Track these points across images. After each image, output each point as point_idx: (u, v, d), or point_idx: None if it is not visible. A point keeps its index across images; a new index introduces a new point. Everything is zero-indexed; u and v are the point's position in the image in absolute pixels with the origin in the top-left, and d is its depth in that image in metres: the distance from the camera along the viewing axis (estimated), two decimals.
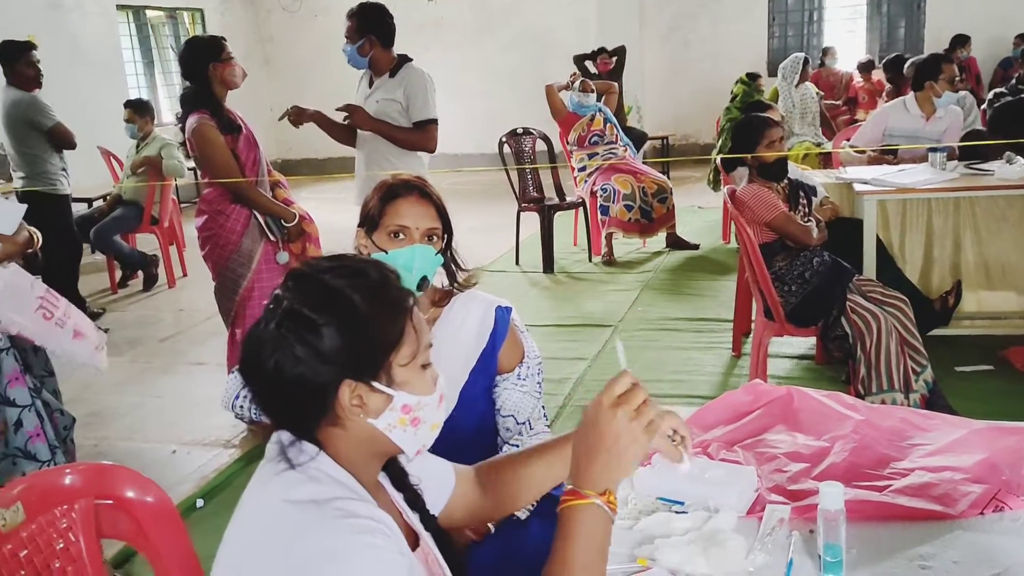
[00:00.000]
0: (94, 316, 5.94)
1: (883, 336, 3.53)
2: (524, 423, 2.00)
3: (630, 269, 6.51)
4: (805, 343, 4.51)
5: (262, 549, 1.11)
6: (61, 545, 1.41)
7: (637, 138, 8.46)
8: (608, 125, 6.96)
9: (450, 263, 1.99)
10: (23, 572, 1.34)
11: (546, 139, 6.77)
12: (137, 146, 6.71)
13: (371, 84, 4.14)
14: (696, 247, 6.92)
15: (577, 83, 6.94)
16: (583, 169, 6.89)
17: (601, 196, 6.61)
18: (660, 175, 6.99)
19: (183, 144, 3.95)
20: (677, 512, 1.55)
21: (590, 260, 6.75)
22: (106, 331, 5.62)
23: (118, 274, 6.76)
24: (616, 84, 7.56)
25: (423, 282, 1.90)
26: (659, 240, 6.99)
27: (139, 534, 1.53)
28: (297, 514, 1.11)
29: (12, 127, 5.48)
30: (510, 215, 6.85)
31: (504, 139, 6.73)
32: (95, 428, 4.16)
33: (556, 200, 6.83)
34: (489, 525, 1.88)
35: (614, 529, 1.52)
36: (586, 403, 3.21)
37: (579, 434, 1.21)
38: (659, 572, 1.39)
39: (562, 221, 6.88)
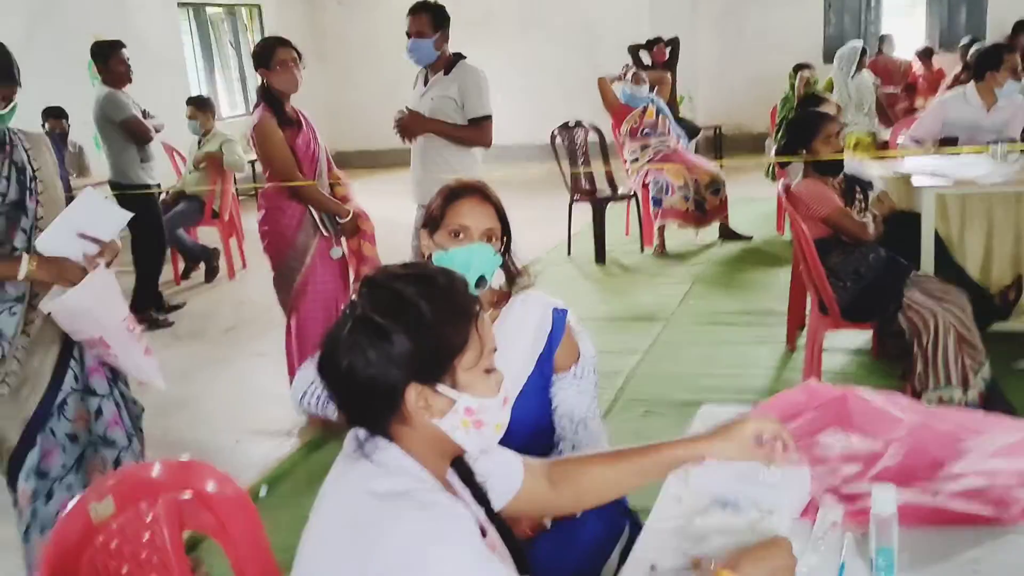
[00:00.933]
0: (172, 309, 6.13)
1: (940, 332, 3.50)
2: (579, 421, 2.05)
3: (682, 261, 6.51)
4: (861, 337, 4.48)
5: (350, 540, 1.19)
6: (147, 536, 1.50)
7: (689, 130, 8.41)
8: (660, 117, 6.95)
9: (509, 265, 2.05)
10: (114, 562, 1.43)
11: (598, 131, 6.78)
12: (199, 142, 6.89)
13: (426, 82, 4.21)
14: (749, 239, 6.89)
15: (629, 75, 6.94)
16: (635, 161, 6.89)
17: (653, 188, 6.62)
18: (713, 166, 6.97)
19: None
20: (735, 511, 1.59)
21: (642, 252, 6.77)
22: (172, 324, 5.86)
23: (181, 266, 6.96)
24: (669, 75, 7.54)
25: (480, 281, 1.96)
26: (712, 232, 6.97)
27: (218, 527, 1.62)
28: (381, 505, 1.20)
29: (97, 122, 5.71)
30: (562, 207, 6.88)
31: (556, 132, 6.77)
32: (161, 418, 4.29)
33: (608, 192, 6.85)
34: (546, 522, 1.94)
35: (668, 527, 1.58)
36: (640, 398, 3.10)
37: (763, 548, 1.34)
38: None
39: (614, 213, 6.90)
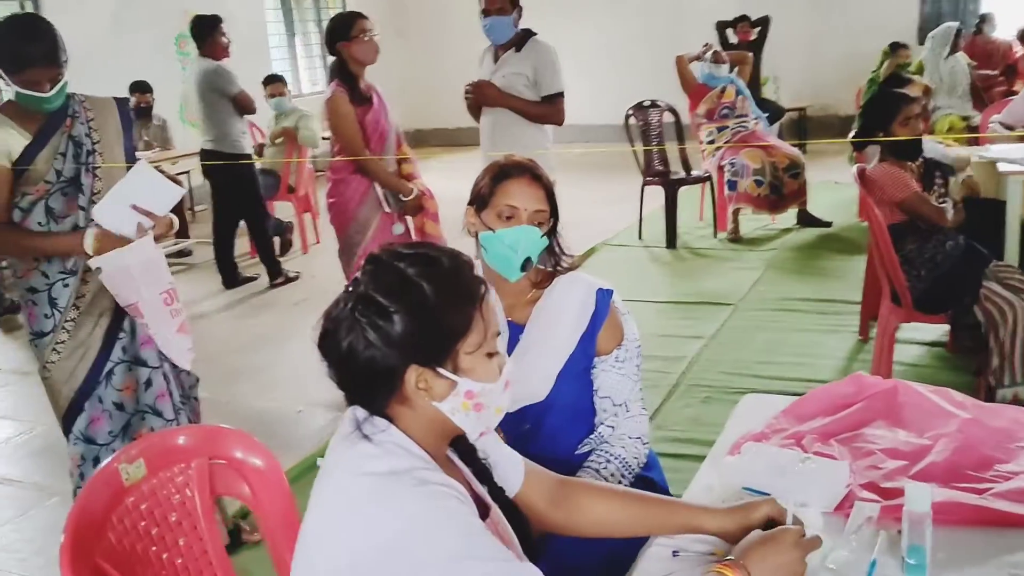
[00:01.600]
0: (245, 281, 6.29)
1: (1019, 326, 3.35)
2: (620, 405, 2.01)
3: (756, 246, 6.36)
4: (938, 329, 4.31)
5: (347, 519, 1.19)
6: (178, 499, 1.54)
7: (773, 112, 8.19)
8: (740, 97, 6.78)
9: (554, 245, 2.01)
10: (144, 523, 1.47)
11: (673, 111, 6.65)
12: (276, 118, 7.02)
13: (495, 59, 4.19)
14: (828, 225, 6.69)
15: (709, 54, 6.79)
16: (711, 142, 6.75)
17: (729, 171, 6.47)
18: (793, 149, 6.78)
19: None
20: None
21: (715, 236, 6.64)
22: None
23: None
24: (751, 55, 7.34)
25: (527, 263, 1.93)
26: (789, 217, 6.79)
27: (249, 493, 1.64)
28: (377, 485, 1.19)
29: (203, 94, 5.87)
30: (635, 188, 6.79)
31: (630, 112, 6.67)
32: (227, 386, 4.42)
33: (682, 174, 6.73)
34: None
35: None
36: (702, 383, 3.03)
37: (770, 543, 1.30)
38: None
39: (688, 196, 6.78)
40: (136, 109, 6.97)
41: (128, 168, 2.56)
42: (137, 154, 2.79)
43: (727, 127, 6.71)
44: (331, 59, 4.07)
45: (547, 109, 4.12)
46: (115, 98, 2.70)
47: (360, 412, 1.28)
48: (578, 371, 2.01)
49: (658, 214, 6.65)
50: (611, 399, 2.03)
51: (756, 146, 6.54)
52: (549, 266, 2.04)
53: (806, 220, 6.73)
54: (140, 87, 7.18)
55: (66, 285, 2.57)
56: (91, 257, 2.48)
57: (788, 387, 3.89)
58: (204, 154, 6.01)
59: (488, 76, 4.21)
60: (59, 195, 2.52)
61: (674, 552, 1.45)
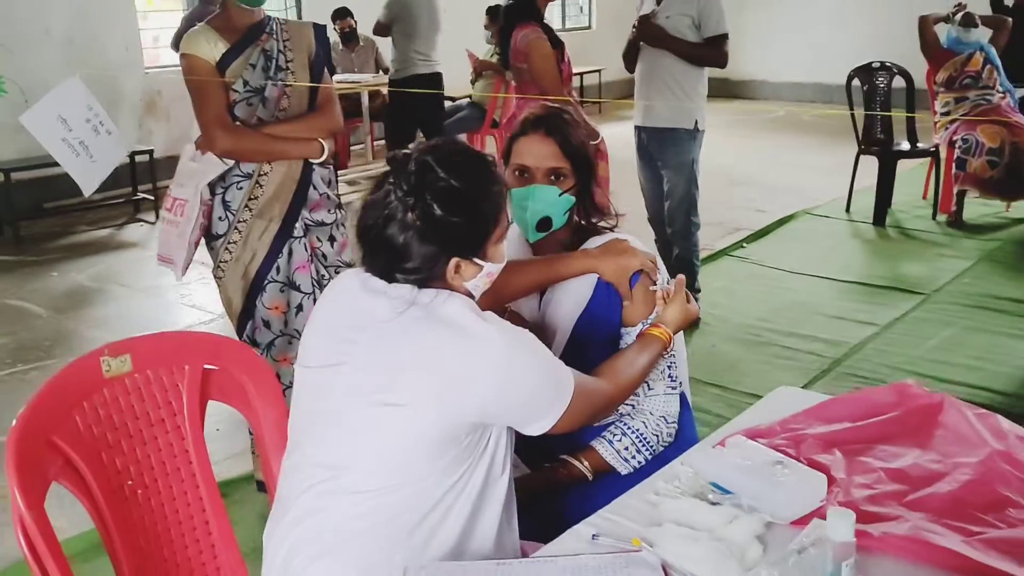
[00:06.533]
0: None
1: None
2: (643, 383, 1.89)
3: (977, 234, 5.69)
4: None
5: (482, 340, 1.40)
6: (165, 398, 1.63)
7: None
8: (988, 67, 6.03)
9: (585, 205, 1.91)
10: (120, 415, 1.57)
11: (906, 75, 6.03)
12: (492, 52, 7.12)
13: (658, 1, 4.07)
14: None
15: (959, 15, 6.08)
16: (946, 114, 6.08)
17: (960, 147, 5.81)
18: None
19: (498, 53, 4.12)
20: (713, 503, 1.40)
21: (934, 218, 6.01)
22: None
23: None
24: (1010, 20, 6.48)
25: (544, 223, 1.86)
26: None
27: (244, 402, 1.72)
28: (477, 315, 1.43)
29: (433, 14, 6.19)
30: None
31: (854, 73, 6.13)
32: None
33: (905, 146, 6.12)
34: (587, 473, 1.84)
35: (636, 504, 1.45)
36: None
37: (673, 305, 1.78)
38: (648, 558, 1.28)
39: (914, 172, 6.17)
40: (342, 34, 7.31)
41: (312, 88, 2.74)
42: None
43: (967, 98, 6.01)
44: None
45: (711, 52, 4.05)
46: (313, 23, 2.82)
47: (408, 291, 1.43)
48: (601, 339, 1.88)
49: (874, 188, 6.12)
50: None
51: (995, 121, 5.82)
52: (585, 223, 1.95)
53: None
54: (341, 13, 7.47)
55: (240, 188, 2.70)
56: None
57: (949, 390, 3.50)
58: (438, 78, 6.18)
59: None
60: (244, 104, 2.65)
61: (593, 535, 1.37)
